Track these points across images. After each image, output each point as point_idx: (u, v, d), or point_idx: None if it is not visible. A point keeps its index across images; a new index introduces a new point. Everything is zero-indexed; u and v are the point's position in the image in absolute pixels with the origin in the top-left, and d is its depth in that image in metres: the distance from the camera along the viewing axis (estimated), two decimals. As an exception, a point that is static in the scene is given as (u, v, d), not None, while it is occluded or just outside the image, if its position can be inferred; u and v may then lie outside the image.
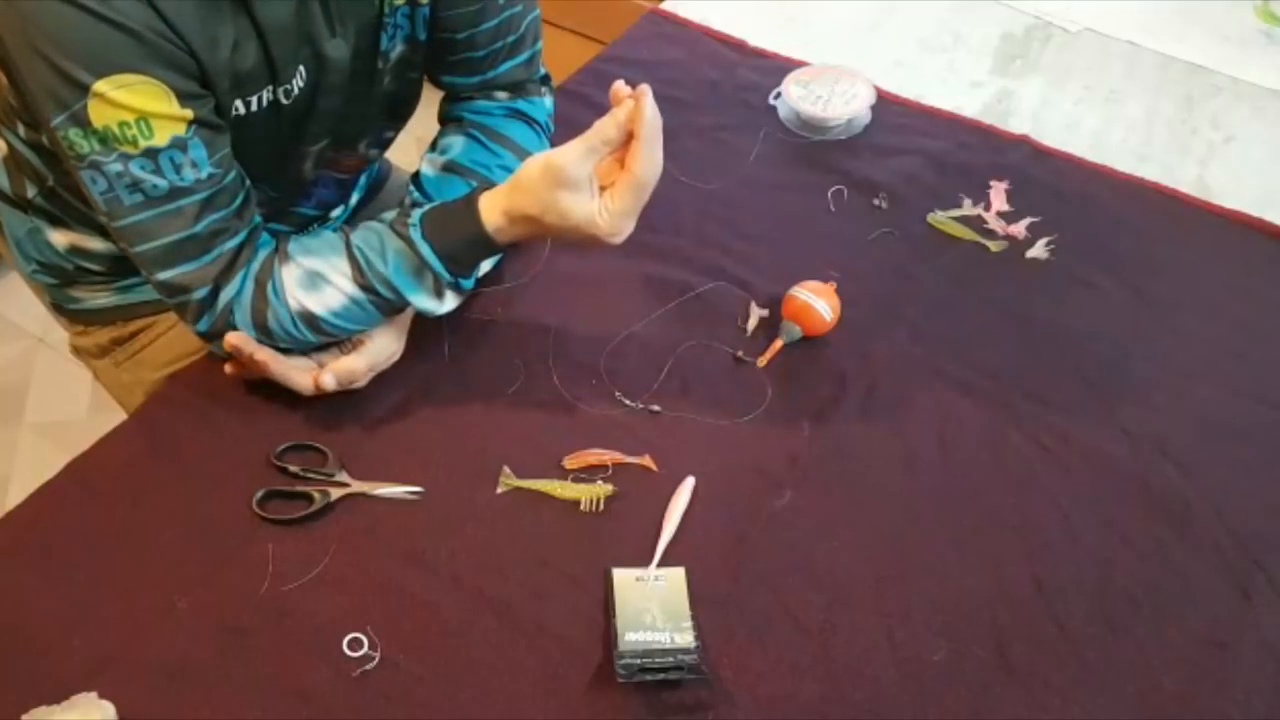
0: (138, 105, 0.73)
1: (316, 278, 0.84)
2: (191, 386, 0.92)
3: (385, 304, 0.85)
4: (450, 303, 0.87)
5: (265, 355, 0.85)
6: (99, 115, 0.73)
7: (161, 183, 0.77)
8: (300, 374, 0.86)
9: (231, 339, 0.84)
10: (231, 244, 0.83)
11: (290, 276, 0.84)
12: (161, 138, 0.75)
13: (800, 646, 0.77)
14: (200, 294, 0.83)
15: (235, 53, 0.80)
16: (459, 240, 0.83)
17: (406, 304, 0.86)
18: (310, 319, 0.84)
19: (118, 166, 0.75)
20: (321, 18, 0.84)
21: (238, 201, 0.83)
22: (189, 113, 0.76)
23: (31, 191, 0.96)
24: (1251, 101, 1.31)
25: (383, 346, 0.89)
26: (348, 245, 0.85)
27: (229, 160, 0.82)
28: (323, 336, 0.87)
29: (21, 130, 0.91)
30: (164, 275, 0.81)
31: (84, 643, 0.75)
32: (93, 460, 0.87)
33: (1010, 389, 0.95)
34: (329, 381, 0.86)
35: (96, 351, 1.08)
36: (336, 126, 0.94)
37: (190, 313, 0.84)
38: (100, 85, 0.71)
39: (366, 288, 0.84)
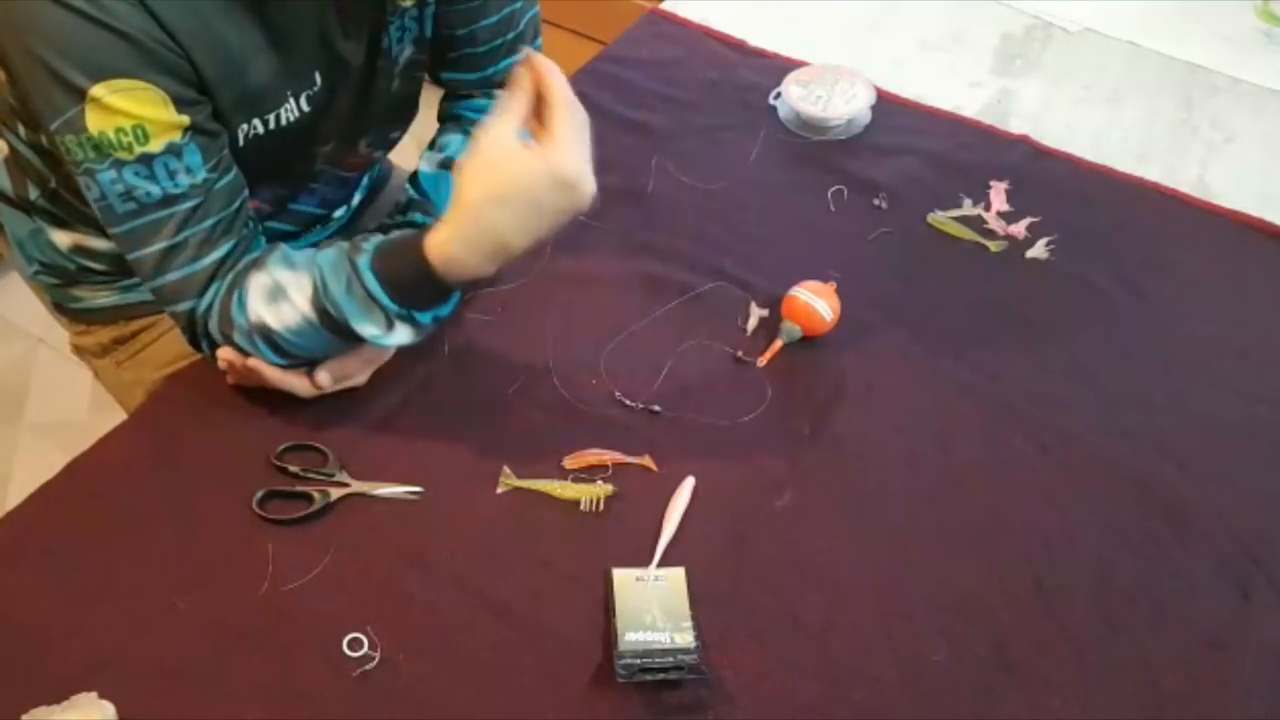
0: (135, 111, 0.72)
1: (279, 292, 0.80)
2: (191, 386, 0.92)
3: (336, 328, 0.79)
4: (402, 335, 0.80)
5: (256, 361, 0.84)
6: (96, 121, 0.72)
7: (155, 189, 0.76)
8: (297, 377, 0.86)
9: (223, 354, 0.84)
10: (223, 249, 0.81)
11: (257, 287, 0.81)
12: (157, 144, 0.74)
13: (800, 646, 0.77)
14: (190, 302, 0.82)
15: (248, 70, 0.79)
16: (407, 275, 0.77)
17: (354, 332, 0.79)
18: (267, 334, 0.80)
19: (111, 174, 0.75)
20: (335, 19, 0.84)
21: (234, 206, 0.82)
22: (186, 119, 0.75)
23: (34, 193, 0.96)
24: (1251, 101, 1.31)
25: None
26: (314, 262, 0.81)
27: (226, 163, 0.81)
28: (284, 356, 0.83)
29: (23, 131, 0.91)
30: (158, 281, 0.81)
31: (84, 643, 0.75)
32: (93, 460, 0.87)
33: (1010, 389, 0.95)
34: (324, 379, 0.85)
35: (98, 351, 1.08)
36: (344, 126, 0.95)
37: (182, 319, 0.84)
38: (97, 90, 0.71)
39: (320, 309, 0.79)
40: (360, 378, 0.89)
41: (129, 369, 1.07)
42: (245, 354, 0.84)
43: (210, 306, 0.82)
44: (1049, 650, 0.78)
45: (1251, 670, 0.77)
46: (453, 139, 1.01)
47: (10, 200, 1.00)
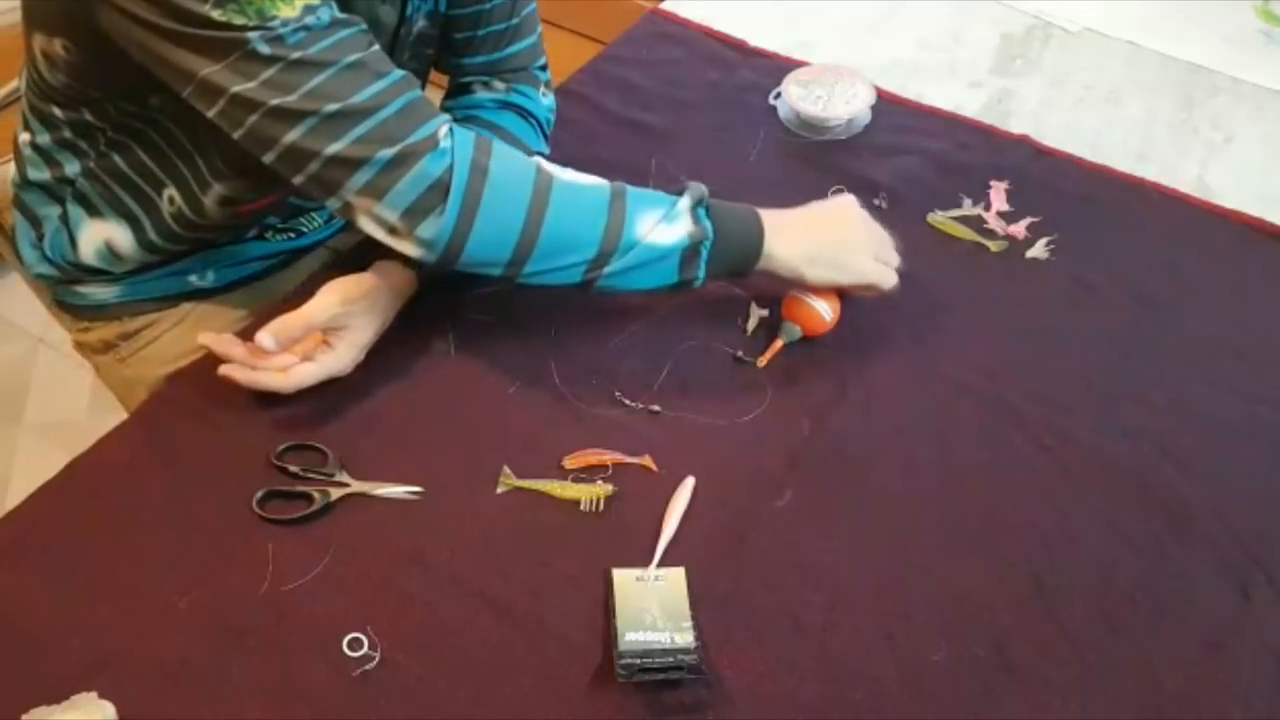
0: None
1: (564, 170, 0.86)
2: (192, 386, 0.92)
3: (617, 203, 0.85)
4: (668, 230, 0.86)
5: (228, 369, 0.86)
6: None
7: (324, 15, 0.75)
8: (264, 374, 0.86)
9: (202, 339, 0.85)
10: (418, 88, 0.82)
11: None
12: None
13: (800, 646, 0.77)
14: (442, 119, 0.80)
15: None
16: (731, 209, 0.90)
17: (628, 209, 0.85)
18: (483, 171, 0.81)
19: (280, 17, 0.74)
20: None
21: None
22: None
23: (72, 169, 0.95)
24: (1251, 101, 1.31)
25: (322, 305, 0.86)
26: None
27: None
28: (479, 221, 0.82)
29: (59, 112, 0.90)
30: (401, 102, 0.78)
31: (84, 643, 0.75)
32: (93, 460, 0.87)
33: (1010, 389, 0.95)
34: (266, 341, 0.83)
35: (100, 347, 1.08)
36: None
37: (429, 142, 0.79)
38: None
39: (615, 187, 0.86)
40: (338, 364, 0.88)
41: (131, 366, 1.07)
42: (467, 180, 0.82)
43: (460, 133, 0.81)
44: (1049, 650, 0.78)
45: (1251, 670, 0.77)
46: None
47: (42, 186, 0.99)
